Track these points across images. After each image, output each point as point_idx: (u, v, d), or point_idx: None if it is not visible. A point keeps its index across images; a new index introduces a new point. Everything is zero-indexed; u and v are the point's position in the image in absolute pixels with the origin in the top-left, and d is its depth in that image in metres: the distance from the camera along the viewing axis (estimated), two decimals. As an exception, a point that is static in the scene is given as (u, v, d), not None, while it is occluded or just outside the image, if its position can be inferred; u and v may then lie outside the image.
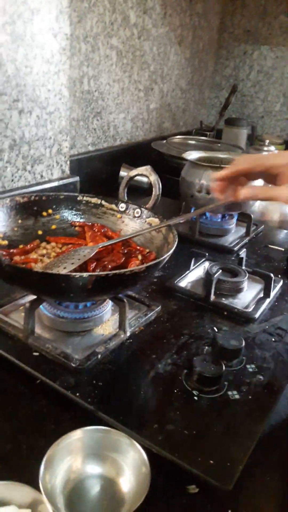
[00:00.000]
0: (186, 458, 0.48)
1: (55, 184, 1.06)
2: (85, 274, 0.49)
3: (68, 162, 1.11)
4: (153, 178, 0.70)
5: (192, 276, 0.85)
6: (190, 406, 0.55)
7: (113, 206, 0.77)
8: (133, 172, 0.73)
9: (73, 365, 0.57)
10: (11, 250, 0.65)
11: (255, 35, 1.83)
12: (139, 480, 0.47)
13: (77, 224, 0.76)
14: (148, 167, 0.71)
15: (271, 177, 0.57)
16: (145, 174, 0.72)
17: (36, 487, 0.45)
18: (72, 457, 0.50)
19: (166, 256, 0.57)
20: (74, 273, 0.48)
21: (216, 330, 0.69)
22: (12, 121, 0.91)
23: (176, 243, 0.61)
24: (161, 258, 0.56)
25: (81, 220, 0.77)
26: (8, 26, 0.84)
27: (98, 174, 1.38)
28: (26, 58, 0.90)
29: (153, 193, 0.71)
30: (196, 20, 1.70)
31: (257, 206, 1.13)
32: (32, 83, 0.93)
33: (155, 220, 0.72)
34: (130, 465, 0.48)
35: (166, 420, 0.52)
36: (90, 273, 0.48)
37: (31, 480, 0.45)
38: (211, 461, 0.48)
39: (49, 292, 0.55)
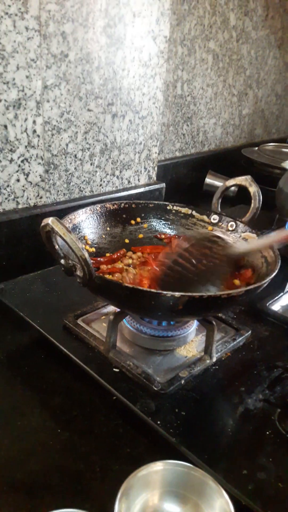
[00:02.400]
0: (281, 519, 0.41)
1: (141, 190, 1.03)
2: (177, 294, 0.44)
3: (156, 168, 1.08)
4: (254, 189, 0.64)
5: (286, 300, 0.77)
6: (285, 453, 0.48)
7: (204, 217, 0.72)
8: (231, 181, 0.68)
9: (155, 388, 0.52)
10: (99, 259, 0.63)
11: None
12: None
13: (163, 236, 0.72)
14: (248, 177, 0.65)
15: None
16: (244, 184, 0.66)
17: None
18: (150, 492, 0.45)
19: (268, 280, 0.51)
20: (165, 292, 0.44)
21: (315, 365, 0.61)
22: (105, 125, 0.90)
23: (279, 263, 0.54)
24: (263, 282, 0.50)
25: (169, 231, 0.73)
26: (109, 29, 0.83)
27: (184, 181, 1.34)
28: (124, 61, 0.89)
29: (252, 205, 0.65)
30: (299, 21, 1.60)
31: None
32: (128, 87, 0.92)
33: (252, 236, 0.65)
34: (214, 514, 0.43)
35: (256, 466, 0.46)
36: (183, 293, 0.44)
37: (103, 507, 0.42)
38: (311, 527, 0.41)
39: (137, 308, 0.52)
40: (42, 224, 0.45)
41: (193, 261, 0.55)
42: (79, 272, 0.46)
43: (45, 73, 0.76)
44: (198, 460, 0.45)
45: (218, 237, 0.58)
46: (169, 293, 0.44)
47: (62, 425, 0.53)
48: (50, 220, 0.44)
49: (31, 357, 0.62)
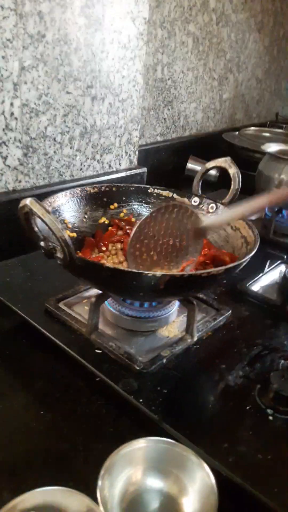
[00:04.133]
0: (260, 487, 0.42)
1: (123, 174, 1.03)
2: (158, 273, 0.44)
3: (137, 152, 1.07)
4: (233, 170, 0.64)
5: (266, 280, 0.78)
6: (265, 426, 0.49)
7: (185, 200, 0.72)
8: (211, 163, 0.68)
9: (137, 367, 0.53)
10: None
11: None
12: (205, 505, 0.42)
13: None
14: (228, 159, 0.65)
15: None
16: (224, 166, 0.66)
17: (92, 495, 0.41)
18: (132, 468, 0.46)
19: (247, 258, 0.52)
20: (146, 272, 0.44)
21: (293, 342, 0.63)
22: (84, 108, 0.89)
23: (258, 243, 0.55)
24: (242, 261, 0.51)
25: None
26: (88, 9, 0.82)
27: (165, 165, 1.33)
28: (103, 43, 0.87)
29: (232, 187, 0.65)
30: (279, 5, 1.59)
31: None
32: (107, 69, 0.90)
33: (232, 217, 0.66)
34: (195, 487, 0.44)
35: (237, 439, 0.47)
36: (164, 272, 0.44)
37: (87, 485, 0.42)
38: (289, 495, 0.42)
39: (119, 289, 0.52)
40: (20, 205, 0.44)
41: (160, 238, 0.55)
42: (59, 254, 0.46)
43: (22, 53, 0.74)
44: (179, 436, 0.46)
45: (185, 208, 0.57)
46: (150, 273, 0.44)
47: (45, 407, 0.53)
48: (28, 201, 0.43)
49: (13, 342, 0.62)
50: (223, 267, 0.48)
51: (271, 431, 0.49)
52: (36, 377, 0.57)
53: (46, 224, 0.43)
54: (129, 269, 0.45)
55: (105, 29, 0.86)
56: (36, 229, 0.48)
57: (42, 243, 0.48)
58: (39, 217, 0.43)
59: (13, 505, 0.40)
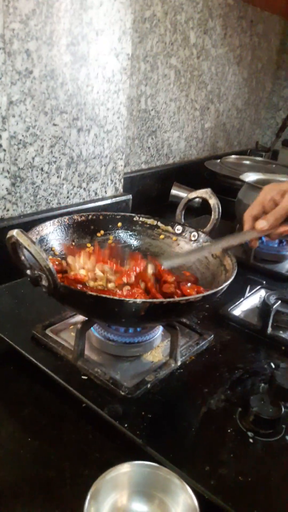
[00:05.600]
0: (241, 509, 0.44)
1: (108, 201, 1.06)
2: (138, 300, 0.47)
3: (122, 180, 1.10)
4: (213, 201, 0.68)
5: (246, 305, 0.80)
6: (245, 449, 0.51)
7: (169, 228, 0.75)
8: (192, 194, 0.71)
9: (122, 393, 0.54)
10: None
11: (316, 56, 1.79)
12: (188, 528, 0.43)
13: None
14: (208, 190, 0.69)
15: None
16: (205, 197, 0.70)
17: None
18: (118, 493, 0.47)
19: (225, 285, 0.54)
20: (128, 299, 0.46)
21: (273, 366, 0.65)
22: (71, 139, 0.93)
23: (235, 271, 0.58)
24: (219, 288, 0.53)
25: (135, 242, 0.76)
26: (73, 47, 0.86)
27: (149, 192, 1.37)
28: (88, 78, 0.92)
29: (212, 217, 0.69)
30: (256, 40, 1.68)
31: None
32: (92, 102, 0.95)
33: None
34: (179, 510, 0.45)
35: (218, 462, 0.49)
36: (144, 299, 0.46)
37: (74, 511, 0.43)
38: (269, 516, 0.43)
39: (102, 315, 0.54)
40: (8, 236, 0.46)
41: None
42: (44, 282, 0.48)
43: (10, 89, 0.78)
44: (163, 459, 0.48)
45: None
46: (131, 300, 0.46)
47: (32, 434, 0.54)
48: (15, 232, 0.45)
49: (0, 369, 0.63)
50: (200, 295, 0.50)
51: (251, 454, 0.50)
52: (23, 405, 0.58)
53: (31, 254, 0.45)
54: (110, 296, 0.47)
55: (90, 65, 0.91)
56: (23, 258, 0.50)
57: (28, 272, 0.50)
58: (25, 248, 0.45)
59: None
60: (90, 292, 0.47)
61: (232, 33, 1.52)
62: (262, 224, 0.62)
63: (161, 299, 0.48)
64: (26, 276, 0.51)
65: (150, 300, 0.47)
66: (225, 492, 0.45)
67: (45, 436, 0.54)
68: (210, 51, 1.45)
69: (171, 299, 0.48)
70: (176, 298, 0.49)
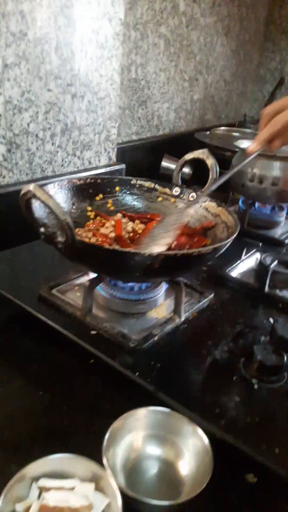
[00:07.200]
0: (250, 445, 0.46)
1: (102, 170, 1.06)
2: (154, 253, 0.48)
3: (115, 150, 1.10)
4: (211, 161, 0.69)
5: (243, 266, 0.83)
6: (251, 394, 0.53)
7: (167, 190, 0.76)
8: (189, 155, 0.72)
9: (131, 345, 0.56)
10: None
11: (303, 28, 1.78)
12: (200, 466, 0.46)
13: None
14: (205, 150, 0.70)
15: None
16: (202, 157, 0.70)
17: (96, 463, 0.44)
18: (133, 436, 0.49)
19: (231, 239, 0.56)
20: (143, 251, 0.48)
21: (272, 321, 0.67)
22: (65, 105, 0.92)
23: (239, 226, 0.59)
24: (227, 241, 0.55)
25: (135, 203, 0.76)
26: (67, 9, 0.84)
27: (141, 164, 1.36)
28: (82, 42, 0.90)
29: (210, 176, 0.70)
30: (244, 11, 1.67)
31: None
32: (86, 68, 0.93)
33: (212, 205, 0.70)
34: (190, 450, 0.47)
35: (227, 406, 0.51)
36: (159, 252, 0.47)
37: (91, 456, 0.45)
38: (276, 450, 0.46)
39: (117, 270, 0.55)
40: (23, 191, 0.46)
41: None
42: (60, 238, 0.48)
43: (5, 51, 0.76)
44: (175, 403, 0.50)
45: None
46: (147, 252, 0.48)
47: (43, 388, 0.56)
48: (32, 187, 0.45)
49: (7, 331, 0.64)
50: (211, 247, 0.52)
51: (257, 398, 0.53)
52: (31, 362, 0.59)
53: (50, 209, 0.45)
54: (127, 250, 0.48)
55: (83, 29, 0.89)
56: (35, 215, 0.51)
57: (42, 229, 0.51)
58: (43, 202, 0.45)
59: (22, 474, 0.43)
60: (107, 246, 0.48)
61: (220, 2, 1.51)
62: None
63: (175, 251, 0.49)
64: (39, 234, 0.52)
65: (165, 252, 0.48)
66: (236, 431, 0.48)
67: (55, 390, 0.56)
68: (199, 20, 1.43)
69: (184, 251, 0.50)
70: (189, 250, 0.50)
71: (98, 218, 0.72)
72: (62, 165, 0.97)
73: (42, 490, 0.43)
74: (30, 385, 0.56)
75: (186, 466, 0.48)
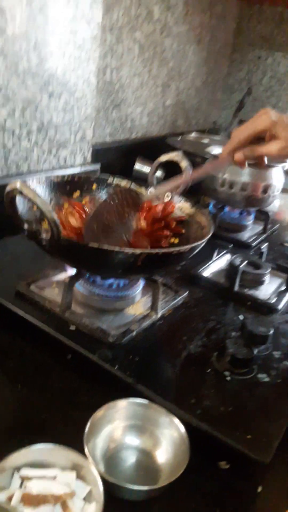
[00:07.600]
0: (225, 432, 0.49)
1: (77, 170, 1.07)
2: (137, 251, 0.50)
3: (91, 150, 1.11)
4: (184, 163, 0.71)
5: (214, 267, 0.86)
6: (223, 385, 0.56)
7: (142, 190, 0.78)
8: (163, 157, 0.74)
9: (111, 339, 0.58)
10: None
11: (270, 41, 1.86)
12: (177, 454, 0.48)
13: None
14: (179, 152, 0.72)
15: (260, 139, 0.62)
16: (176, 159, 0.73)
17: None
18: (113, 426, 0.51)
19: (207, 238, 0.59)
20: (127, 249, 0.49)
21: (241, 318, 0.71)
22: (42, 103, 0.92)
23: (213, 226, 0.62)
24: (203, 240, 0.58)
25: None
26: (46, 8, 0.85)
27: (114, 166, 1.38)
28: (60, 42, 0.91)
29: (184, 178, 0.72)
30: (215, 21, 1.72)
31: (273, 204, 1.15)
32: (63, 68, 0.94)
33: (186, 205, 0.73)
34: (168, 439, 0.50)
35: (202, 396, 0.54)
36: (142, 250, 0.49)
37: (70, 447, 0.46)
38: (248, 436, 0.49)
39: (100, 267, 0.56)
40: (8, 189, 0.47)
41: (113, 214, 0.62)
42: (45, 235, 0.49)
43: (-16, 46, 0.76)
44: (153, 395, 0.52)
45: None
46: (130, 250, 0.49)
47: (20, 383, 0.56)
48: (18, 184, 0.46)
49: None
50: (188, 246, 0.55)
51: (229, 389, 0.56)
52: (8, 357, 0.60)
53: (37, 206, 0.46)
54: (112, 248, 0.49)
55: (62, 29, 0.90)
56: (19, 212, 0.51)
57: (26, 226, 0.51)
58: (30, 199, 0.46)
59: (3, 464, 0.43)
60: (91, 244, 0.49)
61: (193, 12, 1.55)
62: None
63: (156, 250, 0.51)
64: (23, 231, 0.52)
65: (147, 250, 0.50)
66: (210, 420, 0.50)
67: (32, 384, 0.56)
68: (172, 28, 1.47)
69: (165, 250, 0.52)
70: (170, 249, 0.53)
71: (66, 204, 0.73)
72: (38, 163, 0.97)
73: (24, 479, 0.43)
74: (7, 379, 0.57)
75: (163, 455, 0.50)
